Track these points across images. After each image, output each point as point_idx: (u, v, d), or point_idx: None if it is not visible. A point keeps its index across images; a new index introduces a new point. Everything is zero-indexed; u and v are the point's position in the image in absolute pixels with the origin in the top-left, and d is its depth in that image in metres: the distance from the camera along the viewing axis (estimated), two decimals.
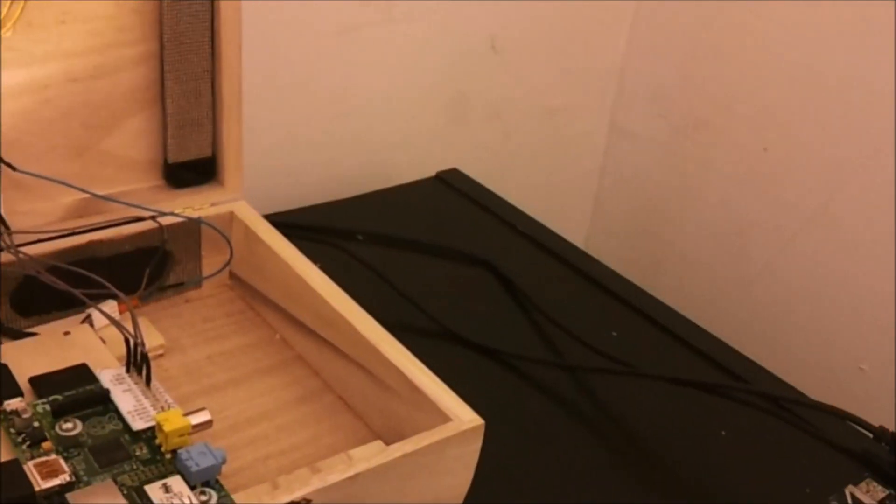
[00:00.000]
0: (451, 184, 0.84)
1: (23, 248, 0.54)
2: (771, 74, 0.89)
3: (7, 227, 0.55)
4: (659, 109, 1.01)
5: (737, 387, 0.62)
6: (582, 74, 1.00)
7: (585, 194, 1.07)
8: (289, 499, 0.43)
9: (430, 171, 0.86)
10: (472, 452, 0.49)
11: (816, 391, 0.63)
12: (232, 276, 0.64)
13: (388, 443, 0.53)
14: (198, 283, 0.63)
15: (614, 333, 0.67)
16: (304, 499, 0.43)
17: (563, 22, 0.94)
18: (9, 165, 0.54)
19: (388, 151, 0.88)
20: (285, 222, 0.67)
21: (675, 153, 1.00)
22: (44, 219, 0.57)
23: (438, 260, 0.74)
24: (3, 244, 0.54)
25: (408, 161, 0.88)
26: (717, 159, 0.97)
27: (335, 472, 0.44)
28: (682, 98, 0.98)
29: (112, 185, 0.60)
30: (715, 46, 0.94)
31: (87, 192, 0.57)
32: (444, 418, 0.49)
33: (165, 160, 0.60)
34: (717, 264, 0.99)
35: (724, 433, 0.60)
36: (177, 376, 0.57)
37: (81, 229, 0.57)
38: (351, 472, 0.45)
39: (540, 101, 0.98)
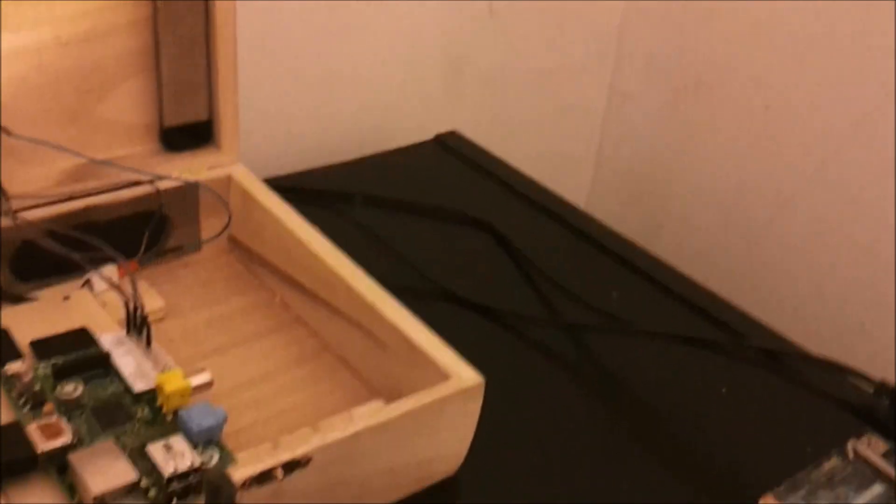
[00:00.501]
0: (450, 146, 0.84)
1: (20, 214, 0.54)
2: (770, 33, 0.89)
3: (4, 193, 0.54)
4: (658, 71, 1.00)
5: (736, 343, 0.62)
6: (580, 37, 0.99)
7: (586, 157, 1.07)
8: (290, 457, 0.43)
9: (429, 135, 0.85)
10: (472, 410, 0.49)
11: (818, 349, 0.63)
12: (230, 239, 0.64)
13: (388, 402, 0.53)
14: (196, 247, 0.62)
15: (615, 293, 0.67)
16: (306, 457, 0.43)
17: None
18: (5, 131, 0.54)
19: (386, 115, 0.87)
20: (283, 186, 0.66)
21: (674, 114, 1.00)
22: (40, 184, 0.57)
23: (437, 222, 0.74)
24: (0, 209, 0.54)
25: (407, 124, 0.88)
26: (717, 119, 0.96)
27: (336, 430, 0.45)
28: (681, 59, 0.98)
29: (108, 150, 0.59)
30: (713, 6, 0.93)
31: (83, 157, 0.56)
32: (443, 377, 0.49)
33: (161, 124, 0.60)
34: (717, 224, 0.99)
35: (724, 390, 0.60)
36: (177, 339, 0.57)
37: (79, 194, 0.57)
38: (351, 430, 0.45)
39: (538, 64, 0.97)
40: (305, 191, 0.73)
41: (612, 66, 1.03)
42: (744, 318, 0.66)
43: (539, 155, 1.00)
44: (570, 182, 1.06)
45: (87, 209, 0.57)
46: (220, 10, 0.58)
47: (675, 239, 1.03)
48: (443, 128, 0.87)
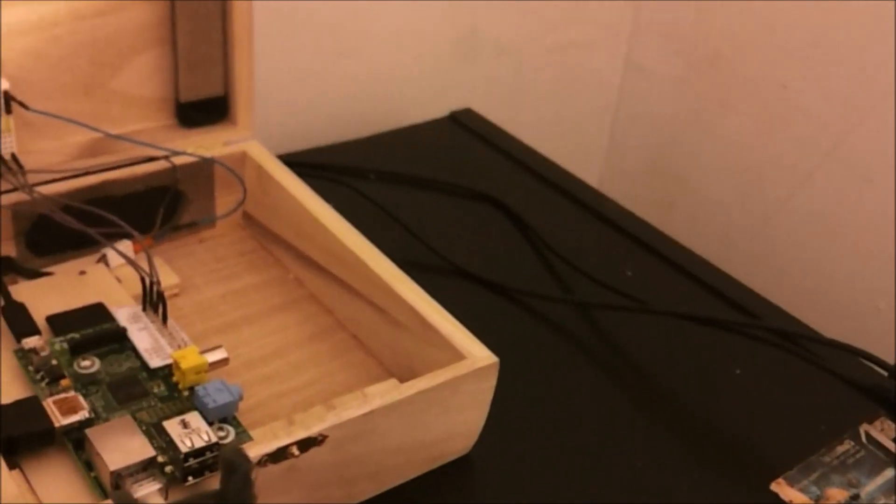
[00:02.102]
0: (464, 123, 0.84)
1: (36, 188, 0.54)
2: (789, 9, 0.88)
3: (20, 167, 0.54)
4: (674, 45, 0.99)
5: (750, 323, 0.62)
6: (595, 9, 0.98)
7: (599, 132, 1.07)
8: (305, 435, 0.43)
9: (443, 111, 0.85)
10: (486, 389, 0.50)
11: (833, 331, 0.63)
12: (245, 215, 0.64)
13: (401, 380, 0.53)
14: (211, 223, 0.63)
15: (629, 273, 0.67)
16: (321, 434, 0.44)
17: None
18: (21, 104, 0.54)
19: (399, 90, 0.87)
20: (297, 162, 0.66)
21: (690, 90, 0.99)
22: (55, 158, 0.57)
23: (451, 199, 0.74)
24: (17, 183, 0.54)
25: (420, 100, 0.87)
26: (733, 96, 0.95)
27: (350, 408, 0.45)
28: (698, 34, 0.97)
29: (122, 124, 0.59)
30: None
31: (99, 132, 0.56)
32: (458, 356, 0.49)
33: (177, 99, 0.60)
34: (732, 202, 0.98)
35: (738, 371, 0.60)
36: (191, 315, 0.57)
37: (94, 169, 0.57)
38: (366, 409, 0.45)
39: (552, 37, 0.97)
40: (319, 167, 0.73)
41: (628, 40, 1.03)
42: (758, 298, 0.66)
43: (553, 129, 1.00)
44: (584, 157, 1.06)
45: (102, 184, 0.57)
46: None
47: (688, 216, 1.02)
48: (457, 101, 0.87)
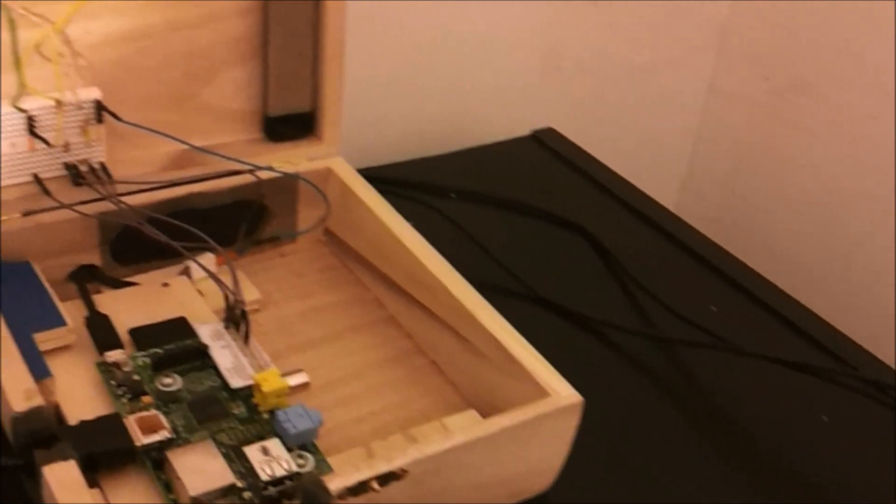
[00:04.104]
0: (546, 143, 0.83)
1: (123, 198, 0.54)
2: (882, 38, 0.85)
3: (109, 176, 0.55)
4: (761, 70, 0.97)
5: (842, 371, 0.60)
6: (682, 30, 0.97)
7: (679, 155, 1.05)
8: (387, 469, 0.42)
9: (525, 129, 0.84)
10: (569, 428, 0.48)
11: None
12: (326, 231, 0.63)
13: (479, 411, 0.52)
14: (292, 238, 0.62)
15: (713, 308, 0.65)
16: (402, 469, 0.43)
17: None
18: (113, 115, 0.54)
19: (482, 108, 0.86)
20: (378, 177, 0.65)
21: (774, 116, 0.97)
22: (142, 168, 0.57)
23: (531, 221, 0.73)
24: (104, 193, 0.54)
25: (502, 118, 0.86)
26: (819, 124, 0.93)
27: (433, 443, 0.44)
28: (786, 59, 0.95)
29: (210, 137, 0.59)
30: (825, 5, 0.90)
31: (186, 144, 0.56)
32: (541, 392, 0.48)
33: (265, 113, 0.60)
34: (812, 234, 0.96)
35: (825, 418, 0.58)
36: (270, 331, 0.56)
37: (181, 181, 0.57)
38: (449, 445, 0.44)
39: (637, 58, 0.95)
40: (400, 183, 0.72)
41: (713, 62, 1.01)
42: (850, 344, 0.64)
43: (632, 150, 0.99)
44: (662, 179, 1.04)
45: (187, 196, 0.57)
46: (332, 2, 0.57)
47: (764, 245, 1.00)
48: (538, 120, 0.86)
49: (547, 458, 0.49)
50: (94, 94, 0.53)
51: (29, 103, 0.52)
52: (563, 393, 0.48)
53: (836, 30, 0.89)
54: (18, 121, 0.52)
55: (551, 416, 0.47)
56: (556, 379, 0.48)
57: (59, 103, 0.52)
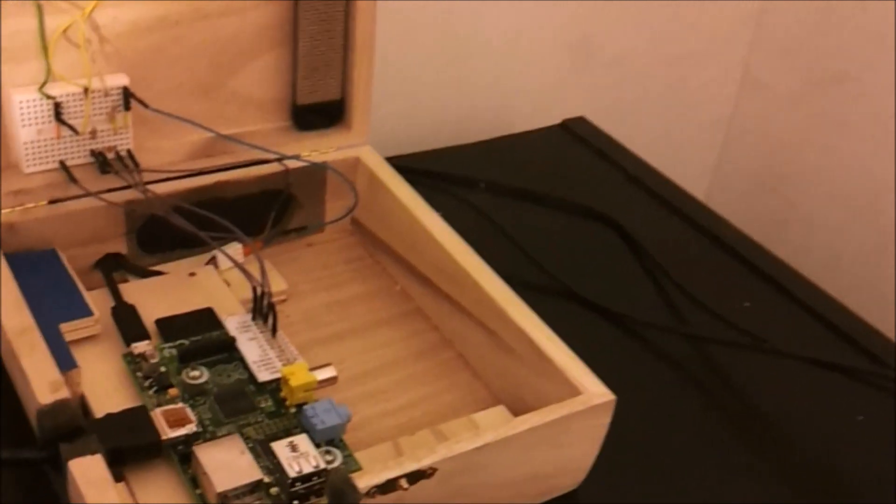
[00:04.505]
0: (576, 133, 0.81)
1: (150, 187, 0.54)
2: None
3: (136, 164, 0.54)
4: (795, 61, 0.95)
5: (878, 372, 0.59)
6: (715, 20, 0.95)
7: (710, 145, 1.03)
8: (416, 467, 0.42)
9: (555, 118, 0.83)
10: (600, 426, 0.48)
11: None
12: (353, 221, 0.62)
13: (508, 406, 0.52)
14: (320, 228, 0.61)
15: (746, 304, 0.64)
16: (431, 468, 0.42)
17: None
18: (141, 102, 0.53)
19: (512, 97, 0.85)
20: (406, 166, 0.65)
21: (808, 107, 0.95)
22: (170, 156, 0.56)
23: (560, 213, 0.72)
24: (131, 181, 0.53)
25: (532, 107, 0.85)
26: (854, 117, 0.91)
27: (462, 441, 0.43)
28: (820, 49, 0.93)
29: (238, 125, 0.58)
30: None
31: (214, 133, 0.56)
32: (573, 390, 0.47)
33: (293, 102, 0.59)
34: (845, 228, 0.94)
35: (860, 418, 0.57)
36: (296, 322, 0.56)
37: (208, 169, 0.56)
38: (479, 443, 0.43)
39: (669, 47, 0.94)
40: (429, 173, 0.71)
41: (746, 52, 0.99)
42: (882, 340, 0.62)
43: (663, 140, 0.97)
44: (693, 169, 1.02)
45: (215, 185, 0.56)
46: None
47: (796, 237, 0.99)
48: (569, 109, 0.84)
49: (577, 456, 0.48)
50: (122, 80, 0.53)
51: (56, 90, 0.51)
52: (594, 391, 0.47)
53: (873, 21, 0.87)
54: (45, 107, 0.51)
55: (583, 414, 0.46)
56: (588, 376, 0.48)
57: (86, 90, 0.51)
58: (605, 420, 0.47)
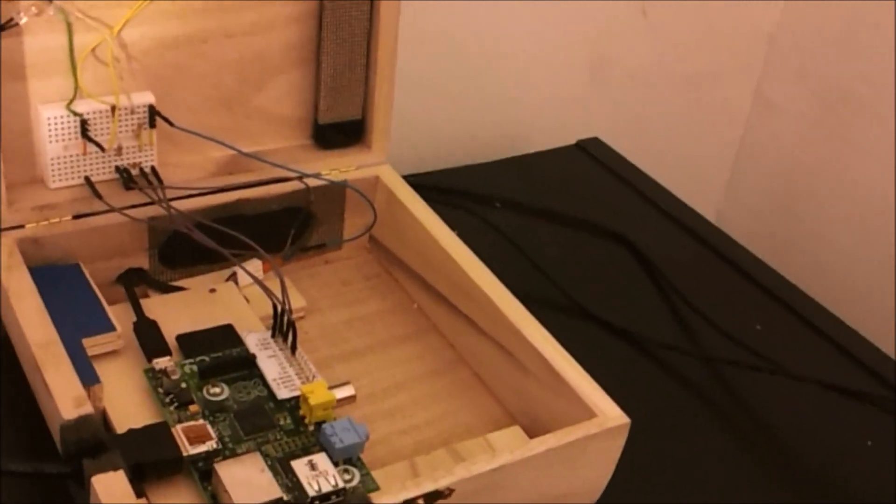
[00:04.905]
0: (591, 153, 0.82)
1: (173, 203, 0.54)
2: None
3: (160, 181, 0.55)
4: (808, 82, 0.96)
5: (889, 397, 0.59)
6: (728, 40, 0.96)
7: (722, 165, 1.04)
8: (433, 488, 0.42)
9: (570, 138, 0.83)
10: (615, 448, 0.48)
11: None
12: (371, 239, 0.63)
13: (523, 426, 0.52)
14: (338, 245, 0.62)
15: (758, 326, 0.65)
16: (448, 489, 0.43)
17: None
18: (167, 121, 0.54)
19: (528, 116, 0.86)
20: (423, 184, 0.65)
21: (821, 128, 0.96)
22: (193, 172, 0.57)
23: (575, 232, 0.73)
24: (154, 197, 0.54)
25: (548, 127, 0.86)
26: (866, 139, 0.92)
27: (479, 462, 0.44)
28: (834, 71, 0.94)
29: (260, 142, 0.59)
30: (873, 19, 0.88)
31: (237, 151, 0.56)
32: (588, 412, 0.48)
33: (315, 120, 0.60)
34: (855, 249, 0.94)
35: (869, 443, 0.57)
36: (315, 339, 0.56)
37: (230, 186, 0.57)
38: (495, 464, 0.44)
39: (683, 67, 0.94)
40: (446, 191, 0.72)
41: (760, 73, 0.99)
42: (892, 364, 0.63)
43: (675, 159, 0.98)
44: (704, 189, 1.03)
45: (237, 202, 0.57)
46: (385, 11, 0.57)
47: (806, 258, 0.99)
48: (584, 127, 0.85)
49: (592, 477, 0.49)
50: (148, 98, 0.53)
51: (83, 106, 0.52)
52: (610, 414, 0.47)
53: (885, 43, 0.88)
54: (73, 124, 0.52)
55: (598, 437, 0.47)
56: (603, 399, 0.48)
57: (113, 107, 0.52)
58: (620, 442, 0.48)
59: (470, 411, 0.54)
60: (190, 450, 0.43)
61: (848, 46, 0.91)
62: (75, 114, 0.52)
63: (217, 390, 0.47)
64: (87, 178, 0.54)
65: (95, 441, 0.42)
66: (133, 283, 0.55)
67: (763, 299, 0.68)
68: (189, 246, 0.53)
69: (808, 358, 0.64)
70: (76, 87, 0.51)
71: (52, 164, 0.52)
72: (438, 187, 0.71)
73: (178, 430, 0.44)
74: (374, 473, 0.46)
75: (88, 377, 0.46)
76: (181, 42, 0.54)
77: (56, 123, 0.51)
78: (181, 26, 0.54)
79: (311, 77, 0.58)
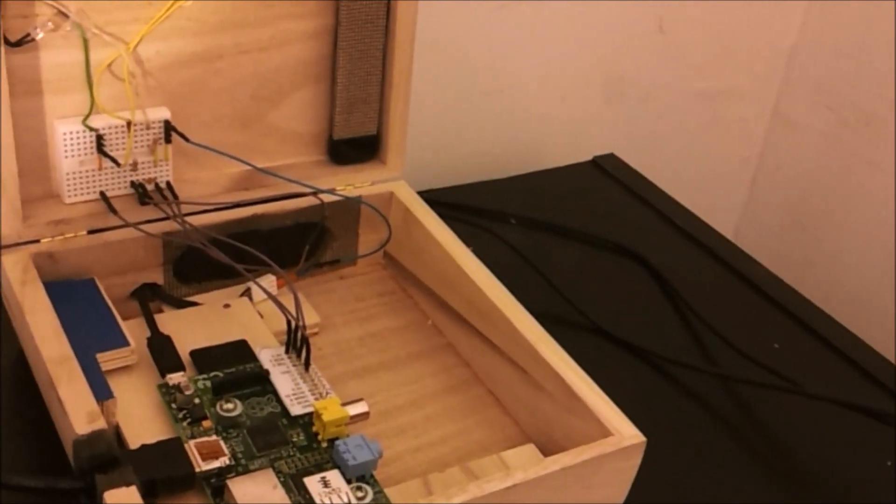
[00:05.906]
0: (606, 169, 0.82)
1: (188, 218, 0.54)
2: None
3: (175, 196, 0.55)
4: (826, 100, 0.96)
5: None
6: (746, 58, 0.95)
7: (739, 183, 1.03)
8: None
9: (586, 155, 0.83)
10: (630, 468, 0.48)
11: None
12: (386, 255, 0.63)
13: (538, 444, 0.52)
14: (352, 261, 0.62)
15: (776, 345, 0.64)
16: None
17: (736, 4, 0.90)
18: (182, 136, 0.54)
19: (543, 132, 0.85)
20: (438, 200, 0.65)
21: (839, 147, 0.95)
22: (208, 188, 0.57)
23: (590, 249, 0.72)
24: (169, 213, 0.54)
25: (563, 143, 0.86)
26: (885, 157, 0.91)
27: (493, 480, 0.43)
28: (851, 90, 0.93)
29: (275, 158, 0.59)
30: (891, 36, 0.88)
31: (252, 167, 0.56)
32: (603, 431, 0.47)
33: (330, 136, 0.60)
34: (874, 268, 0.94)
35: (889, 463, 0.56)
36: (329, 355, 0.56)
37: (245, 202, 0.57)
38: (509, 483, 0.43)
39: (700, 85, 0.94)
40: (461, 207, 0.72)
41: (777, 91, 0.99)
42: None
43: (692, 177, 0.97)
44: (721, 207, 1.02)
45: (251, 217, 0.57)
46: (401, 26, 0.57)
47: (824, 275, 0.98)
48: (600, 145, 0.85)
49: (607, 496, 0.48)
50: (164, 114, 0.53)
51: (99, 122, 0.52)
52: (625, 433, 0.47)
53: None
54: (88, 139, 0.52)
55: (613, 456, 0.46)
56: (618, 418, 0.48)
57: (128, 123, 0.52)
58: (636, 461, 0.47)
59: (484, 429, 0.54)
60: (203, 466, 0.43)
61: (866, 64, 0.91)
62: (91, 129, 0.52)
63: (230, 406, 0.47)
64: (102, 194, 0.54)
65: (108, 456, 0.42)
66: (147, 299, 0.55)
67: (781, 317, 0.68)
68: (203, 261, 0.53)
69: (827, 377, 0.63)
70: (92, 103, 0.52)
71: (68, 179, 0.53)
72: (454, 203, 0.71)
73: (191, 446, 0.44)
74: (388, 491, 0.45)
75: (102, 392, 0.46)
76: (197, 58, 0.54)
77: (72, 139, 0.52)
78: (197, 42, 0.54)
79: (326, 93, 0.59)
